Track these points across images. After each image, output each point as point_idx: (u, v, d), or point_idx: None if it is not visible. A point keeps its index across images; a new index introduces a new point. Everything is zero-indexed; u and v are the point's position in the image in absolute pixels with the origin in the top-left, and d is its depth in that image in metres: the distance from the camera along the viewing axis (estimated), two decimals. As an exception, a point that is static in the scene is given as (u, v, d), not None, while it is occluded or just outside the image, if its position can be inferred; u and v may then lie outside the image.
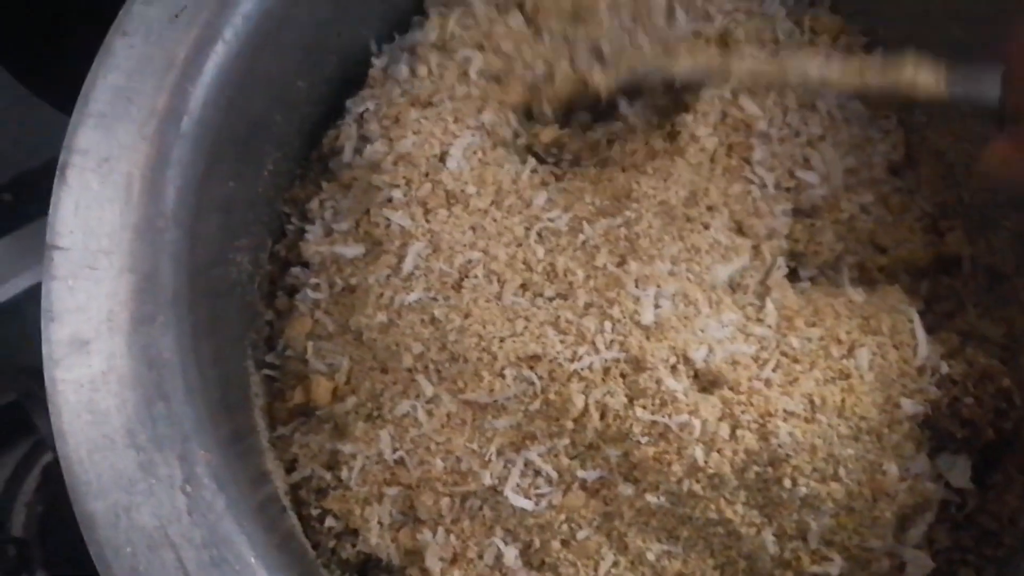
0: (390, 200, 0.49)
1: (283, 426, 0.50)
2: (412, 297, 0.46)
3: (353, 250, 0.50)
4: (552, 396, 0.43)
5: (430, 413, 0.45)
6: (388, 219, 0.48)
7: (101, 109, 0.41)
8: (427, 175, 0.49)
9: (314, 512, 0.48)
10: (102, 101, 0.42)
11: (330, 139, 0.55)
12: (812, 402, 0.43)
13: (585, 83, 0.52)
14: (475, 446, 0.44)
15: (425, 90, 0.50)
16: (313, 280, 0.51)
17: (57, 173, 0.40)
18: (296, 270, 0.53)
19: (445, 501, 0.45)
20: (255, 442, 0.48)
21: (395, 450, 0.45)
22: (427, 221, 0.48)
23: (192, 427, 0.38)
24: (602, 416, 0.43)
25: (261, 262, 0.52)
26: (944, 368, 0.45)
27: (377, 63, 0.54)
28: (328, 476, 0.48)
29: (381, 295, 0.47)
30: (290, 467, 0.49)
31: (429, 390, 0.45)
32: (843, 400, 0.43)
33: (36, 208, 0.66)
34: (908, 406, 0.44)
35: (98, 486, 0.36)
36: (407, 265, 0.47)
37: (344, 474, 0.47)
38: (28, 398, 0.62)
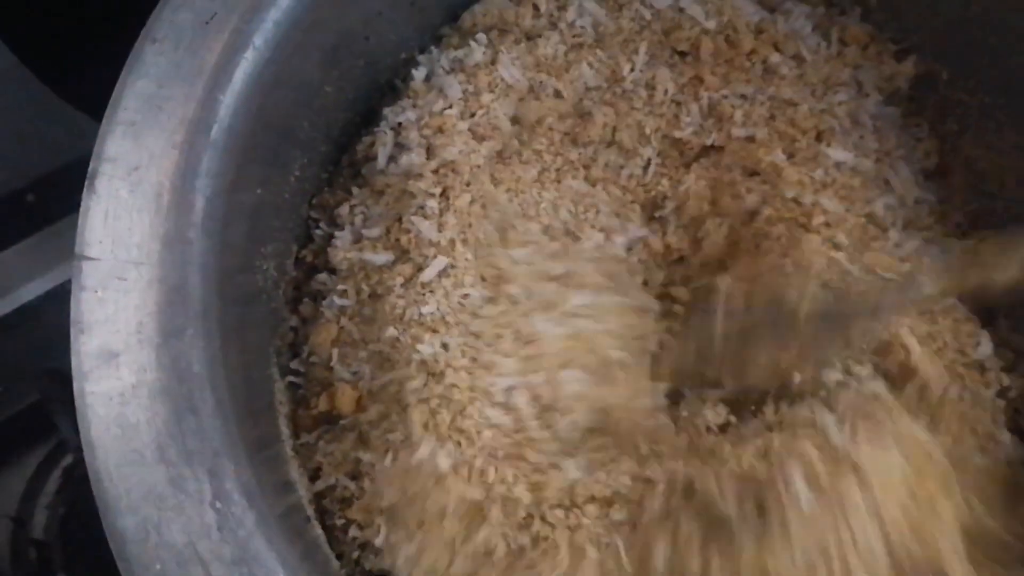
0: (422, 208, 0.49)
1: (307, 434, 0.50)
2: (427, 310, 0.46)
3: (382, 257, 0.49)
4: None
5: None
6: (418, 228, 0.48)
7: (131, 117, 0.41)
8: (468, 185, 0.49)
9: (338, 523, 0.47)
10: (132, 109, 0.41)
11: (364, 146, 0.54)
12: None
13: None
14: None
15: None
16: (340, 287, 0.51)
17: (87, 182, 0.40)
18: (323, 276, 0.52)
19: None
20: (280, 450, 0.48)
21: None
22: (462, 235, 0.48)
23: (221, 441, 0.38)
24: None
25: (286, 268, 0.52)
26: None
27: (418, 74, 0.53)
28: (352, 485, 0.47)
29: (395, 306, 0.47)
30: (314, 476, 0.49)
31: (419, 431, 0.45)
32: None
33: (59, 209, 0.66)
34: None
35: (128, 501, 0.36)
36: (425, 276, 0.47)
37: (367, 484, 0.46)
38: (50, 399, 0.62)
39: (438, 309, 0.47)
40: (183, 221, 0.40)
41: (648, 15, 0.56)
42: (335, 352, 0.50)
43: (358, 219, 0.52)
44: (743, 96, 0.54)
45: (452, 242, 0.49)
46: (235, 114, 0.43)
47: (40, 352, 0.63)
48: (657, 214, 0.54)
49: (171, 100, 0.42)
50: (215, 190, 0.42)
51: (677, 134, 0.54)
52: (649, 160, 0.54)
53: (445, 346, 0.46)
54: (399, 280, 0.48)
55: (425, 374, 0.46)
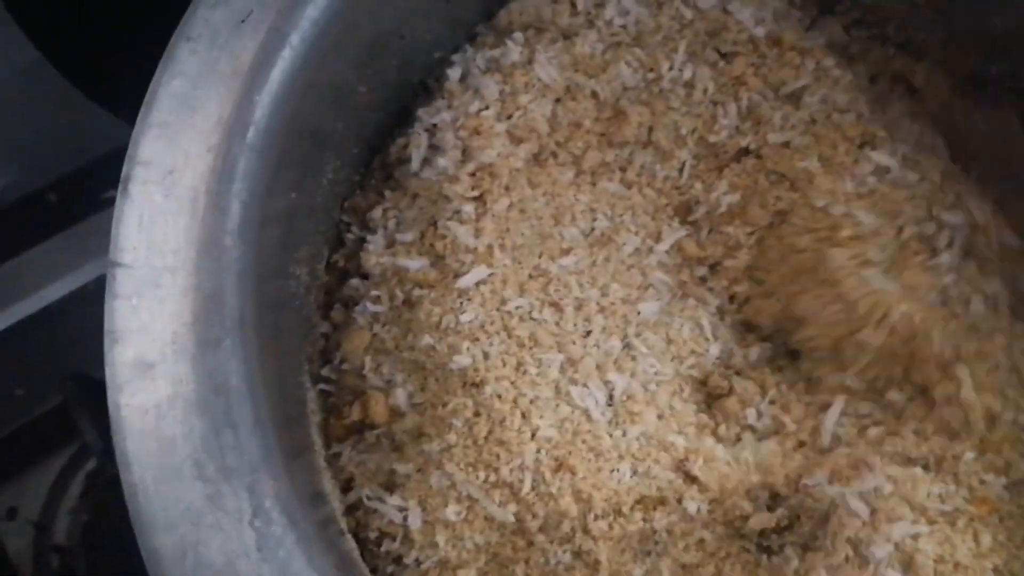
0: (458, 212, 0.47)
1: (339, 443, 0.49)
2: (465, 318, 0.45)
3: (416, 263, 0.48)
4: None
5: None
6: (454, 233, 0.47)
7: (165, 118, 0.40)
8: (507, 189, 0.48)
9: (372, 535, 0.46)
10: (166, 110, 0.40)
11: (398, 147, 0.53)
12: None
13: None
14: None
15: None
16: (373, 292, 0.49)
17: (120, 185, 0.39)
18: (355, 281, 0.51)
19: None
20: (313, 461, 0.47)
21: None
22: (500, 241, 0.46)
23: (260, 457, 0.36)
24: None
25: (318, 273, 0.51)
26: None
27: (452, 74, 0.52)
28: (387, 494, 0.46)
29: (431, 313, 0.46)
30: (346, 487, 0.48)
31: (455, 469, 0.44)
32: None
33: (81, 208, 0.64)
34: None
35: (164, 520, 0.34)
36: (462, 283, 0.46)
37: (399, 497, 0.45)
38: (73, 403, 0.60)
39: (476, 317, 0.46)
40: (219, 226, 0.39)
41: (689, 14, 0.55)
42: (368, 359, 0.48)
43: (391, 223, 0.51)
44: (788, 97, 0.53)
45: (490, 248, 0.47)
46: (271, 115, 0.42)
47: (63, 354, 0.62)
48: (690, 218, 0.52)
49: (206, 101, 0.40)
50: (251, 194, 0.41)
51: (712, 138, 0.52)
52: (684, 163, 0.52)
53: (486, 355, 0.45)
54: (435, 287, 0.47)
55: (462, 384, 0.45)
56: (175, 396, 0.36)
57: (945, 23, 0.54)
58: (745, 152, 0.53)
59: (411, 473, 0.45)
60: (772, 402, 0.47)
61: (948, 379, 0.45)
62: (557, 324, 0.46)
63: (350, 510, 0.47)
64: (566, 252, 0.48)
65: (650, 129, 0.52)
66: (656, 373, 0.46)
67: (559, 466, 0.43)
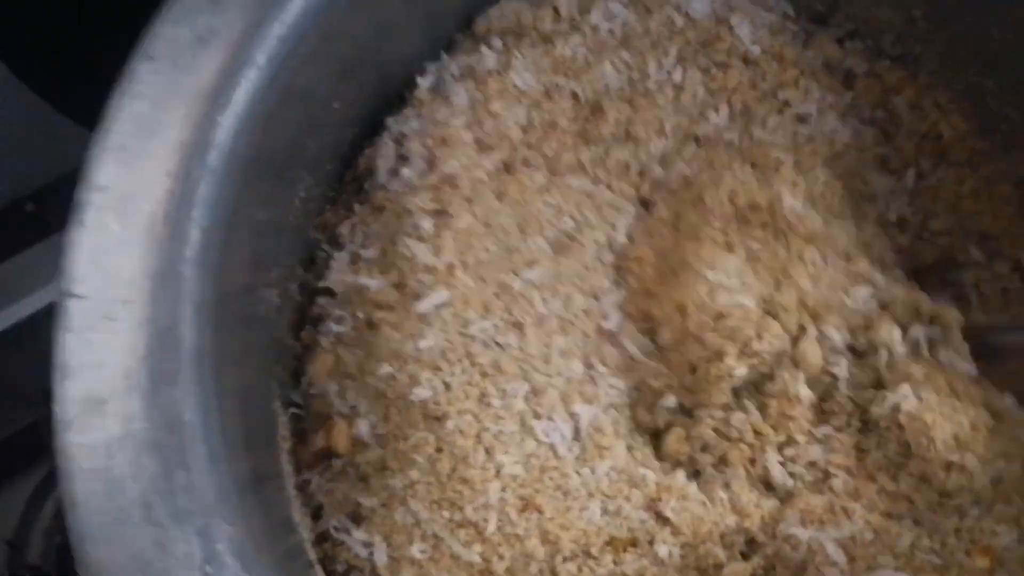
0: (417, 227, 0.45)
1: (308, 470, 0.47)
2: (424, 344, 0.43)
3: (376, 282, 0.46)
4: None
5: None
6: (412, 251, 0.45)
7: (122, 142, 0.38)
8: (469, 201, 0.45)
9: (340, 568, 0.45)
10: (123, 132, 0.38)
11: (366, 158, 0.51)
12: None
13: None
14: None
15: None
16: (337, 312, 0.48)
17: (73, 212, 0.37)
18: (322, 300, 0.49)
19: None
20: (281, 488, 0.46)
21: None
22: (461, 258, 0.44)
23: (215, 498, 0.35)
24: None
25: (291, 292, 0.49)
26: None
27: (423, 82, 0.50)
28: (354, 526, 0.45)
29: (390, 339, 0.44)
30: (316, 514, 0.46)
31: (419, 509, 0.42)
32: None
33: (60, 219, 0.63)
34: None
35: (111, 566, 0.33)
36: (421, 307, 0.44)
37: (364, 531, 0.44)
38: (48, 420, 0.59)
39: (436, 344, 0.44)
40: (177, 255, 0.38)
41: (680, 22, 0.53)
42: (333, 384, 0.47)
43: (358, 239, 0.49)
44: (787, 103, 0.51)
45: (451, 267, 0.45)
46: (235, 137, 0.40)
47: (38, 370, 0.61)
48: (651, 197, 0.50)
49: (166, 123, 0.39)
50: (213, 220, 0.39)
51: (699, 131, 0.50)
52: (660, 149, 0.50)
53: (447, 385, 0.43)
54: (395, 309, 0.45)
55: (424, 417, 0.43)
56: (126, 435, 0.35)
57: (942, 36, 0.52)
58: (728, 144, 0.51)
59: (376, 507, 0.44)
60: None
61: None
62: (520, 348, 0.44)
63: (320, 539, 0.46)
64: (530, 264, 0.46)
65: (628, 122, 0.50)
66: (619, 394, 0.44)
67: (525, 505, 0.41)
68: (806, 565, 0.38)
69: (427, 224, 0.46)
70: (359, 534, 0.43)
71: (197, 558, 0.34)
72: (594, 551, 0.40)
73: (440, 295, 0.44)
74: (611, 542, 0.41)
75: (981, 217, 0.52)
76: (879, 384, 0.42)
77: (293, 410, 0.48)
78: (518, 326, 0.45)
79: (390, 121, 0.50)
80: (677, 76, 0.52)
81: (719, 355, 0.42)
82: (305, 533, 0.45)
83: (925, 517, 0.41)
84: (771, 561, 0.39)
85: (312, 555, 0.45)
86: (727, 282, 0.43)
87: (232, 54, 0.40)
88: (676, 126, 0.51)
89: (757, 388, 0.42)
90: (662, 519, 0.41)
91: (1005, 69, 0.50)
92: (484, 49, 0.51)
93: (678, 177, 0.49)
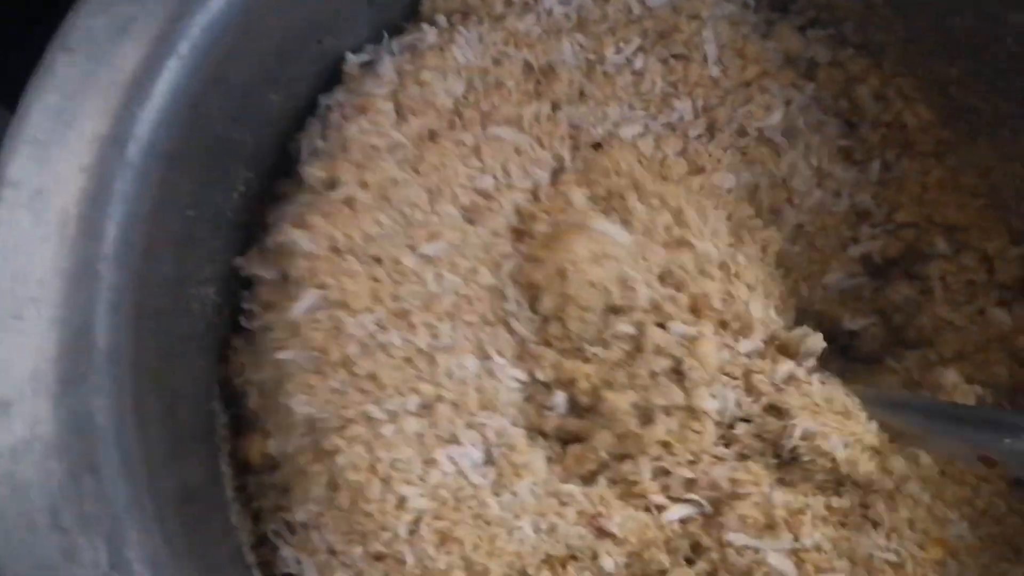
0: (304, 206, 0.43)
1: (248, 474, 0.46)
2: (293, 356, 0.41)
3: (270, 272, 0.44)
4: None
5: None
6: (290, 238, 0.42)
7: (36, 135, 0.37)
8: (360, 167, 0.43)
9: (278, 574, 0.43)
10: (38, 125, 0.37)
11: (295, 141, 0.49)
12: None
13: None
14: None
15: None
16: (246, 305, 0.46)
17: (-16, 208, 0.36)
18: (245, 293, 0.47)
19: None
20: (217, 493, 0.44)
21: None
22: (347, 238, 0.42)
23: (125, 503, 0.34)
24: None
25: (232, 288, 0.48)
26: None
27: (353, 58, 0.48)
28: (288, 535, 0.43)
29: (270, 345, 0.42)
30: (256, 518, 0.45)
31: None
32: None
33: None
34: None
35: (15, 573, 0.32)
36: (293, 312, 0.42)
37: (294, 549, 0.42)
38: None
39: (309, 355, 0.41)
40: (92, 252, 0.36)
41: (638, 10, 0.51)
42: (252, 388, 0.45)
43: (272, 224, 0.46)
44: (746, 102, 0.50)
45: (335, 251, 0.42)
46: (157, 129, 0.39)
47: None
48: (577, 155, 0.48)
49: (82, 116, 0.37)
50: (131, 216, 0.38)
51: (662, 119, 0.49)
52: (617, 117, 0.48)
53: (328, 403, 0.40)
54: (274, 308, 0.43)
55: (313, 447, 0.41)
56: (32, 438, 0.33)
57: (904, 23, 0.50)
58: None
59: (300, 524, 0.42)
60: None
61: None
62: (403, 346, 0.41)
63: (260, 542, 0.45)
64: (433, 237, 0.43)
65: (583, 85, 0.48)
66: (521, 387, 0.42)
67: (443, 539, 0.38)
68: (751, 571, 0.36)
69: (308, 198, 0.42)
70: (288, 551, 0.42)
71: (103, 565, 0.32)
72: (530, 571, 0.38)
73: (310, 297, 0.41)
74: (547, 560, 0.39)
75: (947, 208, 0.50)
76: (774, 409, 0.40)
77: (234, 411, 0.47)
78: (403, 315, 0.41)
79: (320, 97, 0.49)
80: (639, 63, 0.50)
81: (588, 310, 0.41)
82: (244, 537, 0.44)
83: (880, 517, 0.39)
84: (715, 566, 0.38)
85: (251, 558, 0.44)
86: (612, 250, 0.41)
87: (153, 44, 0.39)
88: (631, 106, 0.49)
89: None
90: (604, 534, 0.38)
91: (968, 57, 0.49)
92: (426, 27, 0.49)
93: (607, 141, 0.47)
